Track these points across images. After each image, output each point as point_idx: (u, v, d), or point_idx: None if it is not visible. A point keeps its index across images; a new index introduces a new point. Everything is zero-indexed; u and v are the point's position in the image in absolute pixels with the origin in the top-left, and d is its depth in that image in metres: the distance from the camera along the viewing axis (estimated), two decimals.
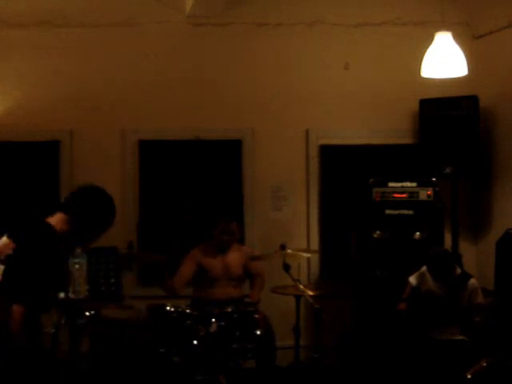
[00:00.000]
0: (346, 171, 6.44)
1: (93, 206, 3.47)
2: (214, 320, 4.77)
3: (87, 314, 4.70)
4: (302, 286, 4.90)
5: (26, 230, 3.39)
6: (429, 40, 4.96)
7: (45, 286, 3.25)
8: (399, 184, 5.91)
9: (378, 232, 5.88)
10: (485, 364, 4.56)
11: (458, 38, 5.01)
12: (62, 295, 4.49)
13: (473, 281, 5.12)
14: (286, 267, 4.89)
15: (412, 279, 5.31)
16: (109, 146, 6.24)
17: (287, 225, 6.38)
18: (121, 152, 6.25)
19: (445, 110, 6.08)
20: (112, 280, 5.52)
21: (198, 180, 6.35)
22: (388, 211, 5.88)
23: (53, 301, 3.61)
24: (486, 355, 4.59)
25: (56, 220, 3.43)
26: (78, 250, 4.98)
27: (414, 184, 5.90)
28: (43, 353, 3.26)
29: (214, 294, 5.37)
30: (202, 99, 6.28)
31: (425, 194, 5.87)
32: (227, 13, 6.26)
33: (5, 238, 3.35)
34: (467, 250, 6.26)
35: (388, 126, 6.40)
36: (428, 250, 5.21)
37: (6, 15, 6.07)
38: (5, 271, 3.25)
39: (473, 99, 6.02)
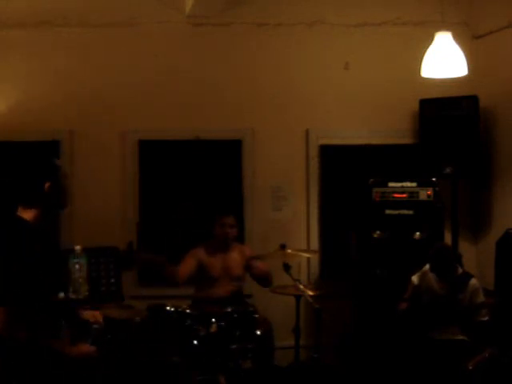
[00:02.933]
0: (346, 171, 6.44)
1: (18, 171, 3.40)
2: (213, 320, 4.77)
3: None
4: (301, 286, 4.89)
5: None
6: (429, 40, 4.96)
7: (23, 282, 3.03)
8: (399, 184, 5.91)
9: (378, 232, 5.88)
10: (487, 355, 4.57)
11: (457, 37, 5.02)
12: (61, 295, 4.48)
13: (474, 281, 5.11)
14: (286, 267, 4.88)
15: (414, 278, 5.30)
16: (109, 145, 6.24)
17: (287, 225, 6.38)
18: (121, 152, 6.25)
19: (445, 110, 6.08)
20: (112, 280, 5.50)
21: (198, 180, 6.35)
22: (388, 211, 5.88)
23: (53, 302, 3.48)
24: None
25: (23, 214, 3.25)
26: (78, 250, 4.98)
27: (414, 184, 5.90)
28: (43, 353, 3.16)
29: (215, 294, 5.37)
30: (202, 99, 6.28)
31: (425, 193, 5.86)
32: (227, 13, 6.27)
33: None
34: (467, 250, 6.25)
35: (388, 126, 6.40)
36: (428, 249, 5.20)
37: (6, 15, 6.08)
38: None
39: (473, 99, 6.02)
